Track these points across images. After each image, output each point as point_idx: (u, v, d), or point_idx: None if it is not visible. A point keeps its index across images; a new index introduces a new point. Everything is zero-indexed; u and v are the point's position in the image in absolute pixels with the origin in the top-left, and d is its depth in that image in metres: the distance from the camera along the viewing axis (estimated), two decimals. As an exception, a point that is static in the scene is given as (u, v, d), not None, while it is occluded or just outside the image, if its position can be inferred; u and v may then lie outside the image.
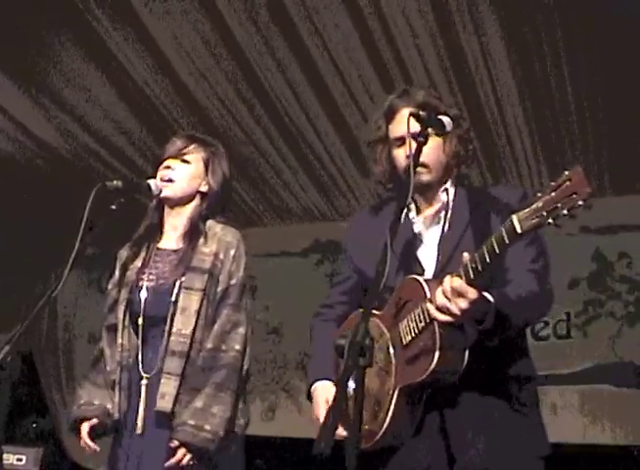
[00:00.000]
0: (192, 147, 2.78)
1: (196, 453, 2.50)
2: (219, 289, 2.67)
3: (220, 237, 2.72)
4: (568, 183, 1.74)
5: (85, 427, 2.66)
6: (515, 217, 1.85)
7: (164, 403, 2.54)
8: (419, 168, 2.25)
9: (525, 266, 2.19)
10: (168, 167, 2.74)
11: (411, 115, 2.16)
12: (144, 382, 2.61)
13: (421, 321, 2.10)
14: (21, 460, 5.46)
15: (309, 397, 2.43)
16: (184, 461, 2.50)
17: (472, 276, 1.97)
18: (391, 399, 2.16)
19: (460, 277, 1.98)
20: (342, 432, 2.15)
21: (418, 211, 2.37)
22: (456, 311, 1.98)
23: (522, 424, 2.18)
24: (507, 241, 1.88)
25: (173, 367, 2.57)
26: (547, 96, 4.25)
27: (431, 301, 2.05)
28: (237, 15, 3.97)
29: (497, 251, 1.91)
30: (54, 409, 6.33)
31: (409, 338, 2.15)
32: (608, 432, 4.80)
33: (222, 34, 4.11)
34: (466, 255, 2.00)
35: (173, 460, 2.50)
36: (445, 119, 2.19)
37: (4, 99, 4.69)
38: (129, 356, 2.67)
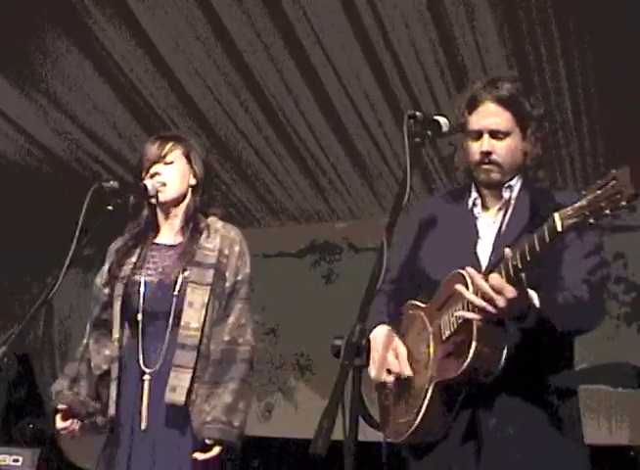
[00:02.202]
0: (169, 146, 2.78)
1: (225, 449, 2.54)
2: (227, 284, 2.69)
3: (223, 233, 2.74)
4: (613, 183, 1.72)
5: (57, 418, 2.69)
6: (557, 215, 1.83)
7: (176, 396, 2.54)
8: (490, 166, 2.24)
9: (580, 276, 2.13)
10: (157, 174, 2.74)
11: (408, 116, 2.14)
12: (146, 377, 2.61)
13: (460, 318, 2.07)
14: (17, 461, 5.44)
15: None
16: (214, 452, 2.52)
17: (511, 273, 1.94)
18: (426, 393, 2.13)
19: (500, 274, 1.96)
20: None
21: (485, 208, 2.33)
22: (492, 309, 1.95)
23: (558, 443, 2.11)
24: (547, 239, 1.85)
25: (185, 360, 2.57)
26: (545, 99, 4.26)
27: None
28: (235, 16, 3.97)
29: (538, 248, 1.88)
30: (50, 410, 6.32)
31: (448, 333, 2.13)
32: (605, 432, 4.82)
33: (219, 36, 4.11)
34: (507, 250, 1.97)
35: (208, 456, 2.51)
36: (442, 120, 2.17)
37: (2, 99, 4.69)
38: (126, 352, 2.66)
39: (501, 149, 2.24)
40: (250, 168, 5.32)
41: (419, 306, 2.32)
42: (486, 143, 2.24)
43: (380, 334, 2.29)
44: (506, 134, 2.25)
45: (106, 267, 2.80)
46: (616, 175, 1.72)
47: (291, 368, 5.97)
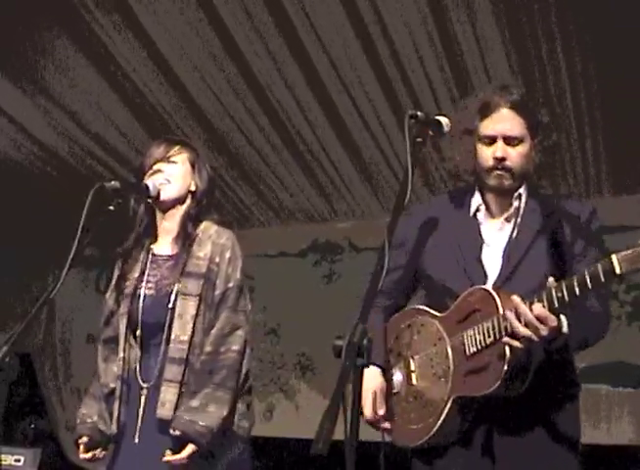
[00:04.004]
0: (176, 149, 2.77)
1: (197, 451, 2.50)
2: (217, 293, 2.64)
3: (214, 240, 2.69)
4: None
5: (81, 447, 2.68)
6: (615, 258, 1.84)
7: (165, 411, 2.53)
8: (503, 173, 2.24)
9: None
10: (160, 171, 2.73)
11: (409, 116, 2.13)
12: (143, 392, 2.60)
13: (490, 336, 2.08)
14: (19, 461, 5.45)
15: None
16: (185, 453, 2.49)
17: (555, 305, 1.96)
18: (445, 406, 2.16)
19: (542, 303, 1.98)
20: (386, 425, 2.24)
21: (489, 214, 2.33)
22: (535, 338, 1.98)
23: (559, 449, 2.18)
24: (602, 279, 1.88)
25: (173, 374, 2.55)
26: (546, 100, 4.25)
27: (504, 317, 2.04)
28: (238, 18, 3.98)
29: (589, 286, 1.90)
30: (52, 410, 6.33)
31: (474, 349, 2.13)
32: (604, 432, 4.82)
33: (221, 36, 4.11)
34: (551, 280, 1.98)
35: (177, 458, 2.48)
36: (443, 120, 2.17)
37: (1, 98, 4.70)
38: (130, 369, 2.66)
39: (515, 155, 2.24)
40: (251, 169, 5.33)
41: (431, 314, 2.30)
42: (501, 149, 2.24)
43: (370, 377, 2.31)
44: (520, 141, 2.25)
45: (113, 282, 2.79)
46: None
47: (292, 368, 5.97)
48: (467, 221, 2.32)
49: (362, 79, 4.32)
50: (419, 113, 2.15)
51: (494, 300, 2.09)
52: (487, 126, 2.27)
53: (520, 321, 2.00)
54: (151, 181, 2.70)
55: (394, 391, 2.32)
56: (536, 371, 2.10)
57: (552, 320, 1.96)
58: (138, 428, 2.57)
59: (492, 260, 2.24)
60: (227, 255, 2.68)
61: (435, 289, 2.31)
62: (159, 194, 2.69)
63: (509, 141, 2.24)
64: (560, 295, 1.95)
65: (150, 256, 2.76)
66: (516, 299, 2.03)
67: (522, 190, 2.29)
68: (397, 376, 2.33)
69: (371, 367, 2.30)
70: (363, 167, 5.18)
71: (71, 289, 6.18)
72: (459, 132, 2.31)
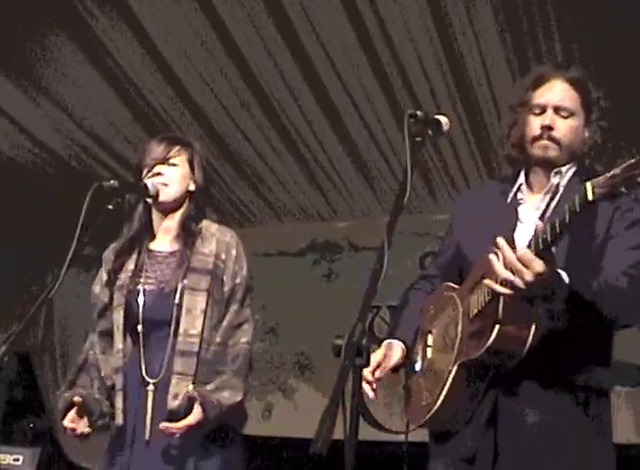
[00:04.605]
0: (175, 150, 2.77)
1: (199, 423, 2.50)
2: (226, 289, 2.67)
3: (218, 237, 2.72)
4: None
5: (69, 414, 2.63)
6: (589, 185, 1.77)
7: (177, 403, 2.53)
8: (549, 142, 2.18)
9: (622, 268, 2.04)
10: (159, 174, 2.74)
11: (408, 115, 2.11)
12: (150, 388, 2.60)
13: (488, 294, 2.01)
14: (17, 460, 5.44)
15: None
16: (186, 422, 2.49)
17: (540, 246, 1.87)
18: (449, 374, 2.09)
19: (529, 248, 1.90)
20: (371, 394, 2.16)
21: (529, 190, 2.26)
22: (519, 284, 1.88)
23: (583, 441, 2.07)
24: (578, 209, 1.80)
25: (185, 368, 2.57)
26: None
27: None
28: (237, 16, 3.98)
29: (567, 220, 1.82)
30: (51, 410, 6.32)
31: (475, 311, 2.08)
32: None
33: (220, 35, 4.11)
34: (539, 223, 1.92)
35: (176, 426, 2.48)
36: (443, 119, 2.15)
37: (1, 98, 4.70)
38: (128, 362, 2.66)
39: (563, 127, 2.18)
40: (250, 167, 5.32)
41: (453, 288, 2.27)
42: (549, 117, 2.18)
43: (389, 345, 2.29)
44: (570, 113, 2.20)
45: (103, 275, 2.79)
46: None
47: (291, 367, 5.97)
48: (506, 201, 2.27)
49: (361, 78, 4.32)
50: (418, 112, 2.13)
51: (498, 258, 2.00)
52: (538, 95, 2.22)
53: (505, 267, 1.92)
54: (150, 181, 2.71)
55: (416, 370, 2.28)
56: (554, 345, 2.00)
57: (538, 264, 1.86)
58: (148, 425, 2.57)
59: (525, 237, 2.12)
60: (233, 252, 2.72)
61: (470, 269, 2.26)
62: (157, 194, 2.71)
63: (559, 111, 2.19)
64: (544, 236, 1.87)
65: (145, 251, 2.76)
66: (500, 241, 1.95)
67: (564, 168, 2.21)
68: (418, 355, 2.29)
69: (393, 340, 2.29)
70: (362, 167, 5.17)
71: (70, 289, 6.16)
72: (513, 105, 2.27)
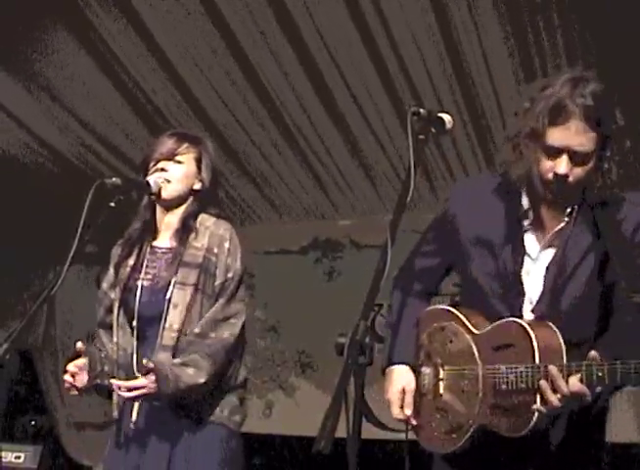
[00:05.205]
0: (184, 147, 2.77)
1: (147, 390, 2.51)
2: (217, 283, 2.66)
3: (212, 231, 2.71)
4: None
5: (75, 362, 2.64)
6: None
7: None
8: (562, 188, 2.08)
9: None
10: (163, 170, 2.73)
11: (411, 113, 2.10)
12: None
13: (522, 383, 2.04)
14: (19, 458, 5.46)
15: (384, 372, 2.35)
16: (135, 383, 2.52)
17: (594, 383, 1.93)
18: (469, 429, 2.16)
19: (580, 377, 1.94)
20: (414, 422, 2.22)
21: (538, 224, 2.19)
22: (566, 410, 1.99)
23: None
24: None
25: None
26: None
27: (538, 369, 2.00)
28: (239, 15, 3.97)
29: (633, 382, 1.88)
30: (52, 407, 6.32)
31: (504, 387, 2.08)
32: (606, 430, 4.81)
33: (223, 33, 4.10)
34: (593, 353, 1.93)
35: (124, 384, 2.52)
36: (446, 117, 2.14)
37: (3, 95, 4.69)
38: (125, 356, 2.67)
39: (579, 174, 2.08)
40: (252, 166, 5.32)
41: (465, 327, 2.24)
42: (565, 165, 2.05)
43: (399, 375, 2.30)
44: (587, 157, 2.07)
45: (111, 271, 2.80)
46: None
47: (292, 365, 5.97)
48: (512, 225, 2.20)
49: (364, 77, 4.31)
50: (421, 110, 2.11)
51: (531, 343, 2.03)
52: (555, 137, 2.06)
53: (555, 392, 1.96)
54: (152, 178, 2.71)
55: (422, 391, 2.29)
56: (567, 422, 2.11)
57: (587, 395, 1.93)
58: (134, 417, 2.59)
59: (533, 280, 2.16)
60: (226, 245, 2.70)
61: (470, 284, 2.25)
62: (160, 191, 2.70)
63: (575, 157, 2.06)
64: (600, 374, 1.90)
65: (147, 247, 2.77)
66: (553, 369, 1.97)
67: (577, 203, 2.14)
68: (426, 378, 2.30)
69: (400, 365, 2.30)
70: (364, 164, 5.17)
71: (72, 286, 6.18)
72: (523, 134, 2.13)
